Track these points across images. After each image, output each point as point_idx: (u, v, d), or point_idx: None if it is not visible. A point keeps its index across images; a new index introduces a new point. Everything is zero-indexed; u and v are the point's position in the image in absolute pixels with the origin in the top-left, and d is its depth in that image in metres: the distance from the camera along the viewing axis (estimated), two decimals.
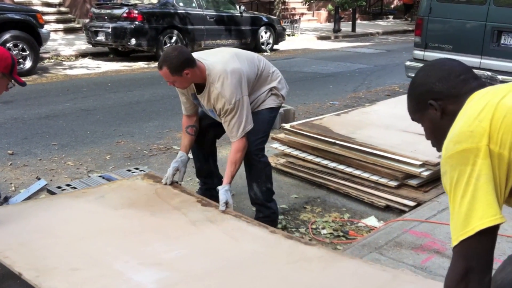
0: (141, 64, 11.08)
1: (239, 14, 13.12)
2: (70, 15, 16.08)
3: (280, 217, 3.71)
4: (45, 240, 2.74)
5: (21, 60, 9.24)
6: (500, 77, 6.07)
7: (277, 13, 18.82)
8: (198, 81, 3.22)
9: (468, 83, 1.57)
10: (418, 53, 7.03)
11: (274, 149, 4.78)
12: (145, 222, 3.04)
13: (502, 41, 6.26)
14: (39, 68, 9.98)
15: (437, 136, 1.60)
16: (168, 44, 11.21)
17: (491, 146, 1.40)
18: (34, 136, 5.69)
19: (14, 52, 9.07)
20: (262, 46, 13.65)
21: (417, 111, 1.67)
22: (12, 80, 3.17)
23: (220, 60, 3.27)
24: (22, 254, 2.56)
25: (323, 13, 23.94)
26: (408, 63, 7.15)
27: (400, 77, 9.24)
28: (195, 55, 3.27)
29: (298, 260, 2.65)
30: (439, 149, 1.58)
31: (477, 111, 1.45)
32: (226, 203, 3.22)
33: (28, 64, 9.35)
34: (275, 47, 14.24)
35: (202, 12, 12.26)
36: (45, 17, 12.66)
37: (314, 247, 2.83)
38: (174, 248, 2.74)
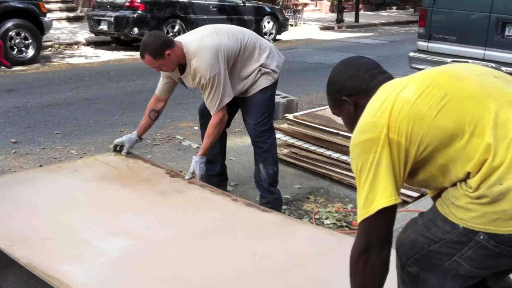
0: None
1: (242, 4, 13.07)
2: (73, 4, 16.02)
3: (284, 207, 3.72)
4: (19, 212, 2.86)
5: (23, 48, 9.23)
6: (504, 68, 6.03)
7: (280, 2, 18.76)
8: (181, 61, 3.26)
9: (375, 78, 1.74)
10: (422, 44, 6.99)
11: (277, 140, 4.78)
12: (115, 194, 3.16)
13: (506, 33, 6.22)
14: (42, 57, 9.96)
15: (353, 127, 1.70)
16: (171, 34, 11.19)
17: (390, 135, 1.55)
18: (37, 124, 5.69)
19: (17, 41, 9.06)
20: (265, 36, 13.57)
21: (335, 106, 1.85)
22: None
23: (196, 37, 3.30)
24: None
25: (326, 3, 23.84)
26: (412, 54, 7.12)
27: (403, 68, 9.20)
28: (176, 38, 3.35)
29: (254, 226, 2.82)
30: None
31: (379, 103, 1.61)
32: (193, 173, 3.33)
33: (30, 52, 9.33)
34: (278, 37, 14.20)
35: (204, 2, 12.22)
36: (48, 6, 12.61)
37: (271, 214, 2.99)
38: (141, 217, 2.88)
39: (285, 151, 4.64)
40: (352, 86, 1.75)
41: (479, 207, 1.49)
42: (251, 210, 3.01)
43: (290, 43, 13.85)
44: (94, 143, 5.13)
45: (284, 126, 4.72)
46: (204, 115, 3.63)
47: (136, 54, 10.93)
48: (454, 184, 1.58)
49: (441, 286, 1.67)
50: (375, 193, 1.56)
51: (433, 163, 1.58)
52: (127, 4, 11.17)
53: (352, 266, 1.67)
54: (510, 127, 1.48)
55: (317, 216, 3.65)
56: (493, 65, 6.09)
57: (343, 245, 2.55)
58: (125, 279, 2.31)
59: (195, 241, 2.67)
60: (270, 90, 3.49)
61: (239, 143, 5.19)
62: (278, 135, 4.72)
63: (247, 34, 3.45)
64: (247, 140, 5.24)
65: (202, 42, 3.24)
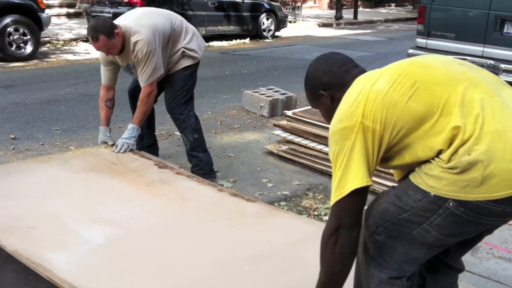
0: None
1: (241, 0, 13.04)
2: (73, 0, 15.98)
3: (282, 203, 3.73)
4: (8, 201, 2.93)
5: (22, 44, 9.19)
6: (502, 65, 6.05)
7: None
8: (124, 42, 3.52)
9: (349, 72, 1.86)
10: (421, 41, 7.00)
11: (276, 136, 4.80)
12: (103, 184, 3.24)
13: (505, 30, 6.23)
14: (40, 53, 9.94)
15: (331, 118, 1.82)
16: None
17: (365, 122, 1.66)
18: (36, 120, 5.69)
19: (15, 37, 9.04)
20: (264, 33, 13.60)
21: (313, 100, 1.97)
22: None
23: (132, 18, 3.64)
24: None
25: (325, 0, 23.81)
26: (410, 51, 7.12)
27: None
28: None
29: (237, 216, 2.89)
30: None
31: (355, 95, 1.72)
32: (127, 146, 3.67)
33: (29, 48, 9.29)
34: (276, 34, 14.18)
35: None
36: (48, 2, 12.58)
37: (254, 203, 3.06)
38: (126, 207, 2.95)
39: (284, 147, 4.65)
40: (327, 81, 1.88)
41: (450, 176, 1.60)
42: (235, 200, 3.08)
43: (289, 39, 13.84)
44: (93, 139, 5.13)
45: (283, 122, 4.73)
46: (133, 96, 3.97)
47: None
48: (426, 161, 1.68)
49: (406, 254, 1.78)
50: (347, 176, 1.66)
51: (407, 151, 1.69)
52: (126, 0, 11.15)
53: (322, 246, 1.77)
54: (475, 105, 1.62)
55: (316, 213, 3.66)
56: (492, 62, 6.11)
57: (321, 233, 2.61)
58: (107, 266, 2.38)
59: (178, 230, 2.74)
60: (191, 68, 3.86)
61: (238, 140, 5.19)
62: (277, 131, 4.74)
63: (174, 16, 3.80)
64: (246, 137, 5.25)
65: (138, 21, 3.55)
